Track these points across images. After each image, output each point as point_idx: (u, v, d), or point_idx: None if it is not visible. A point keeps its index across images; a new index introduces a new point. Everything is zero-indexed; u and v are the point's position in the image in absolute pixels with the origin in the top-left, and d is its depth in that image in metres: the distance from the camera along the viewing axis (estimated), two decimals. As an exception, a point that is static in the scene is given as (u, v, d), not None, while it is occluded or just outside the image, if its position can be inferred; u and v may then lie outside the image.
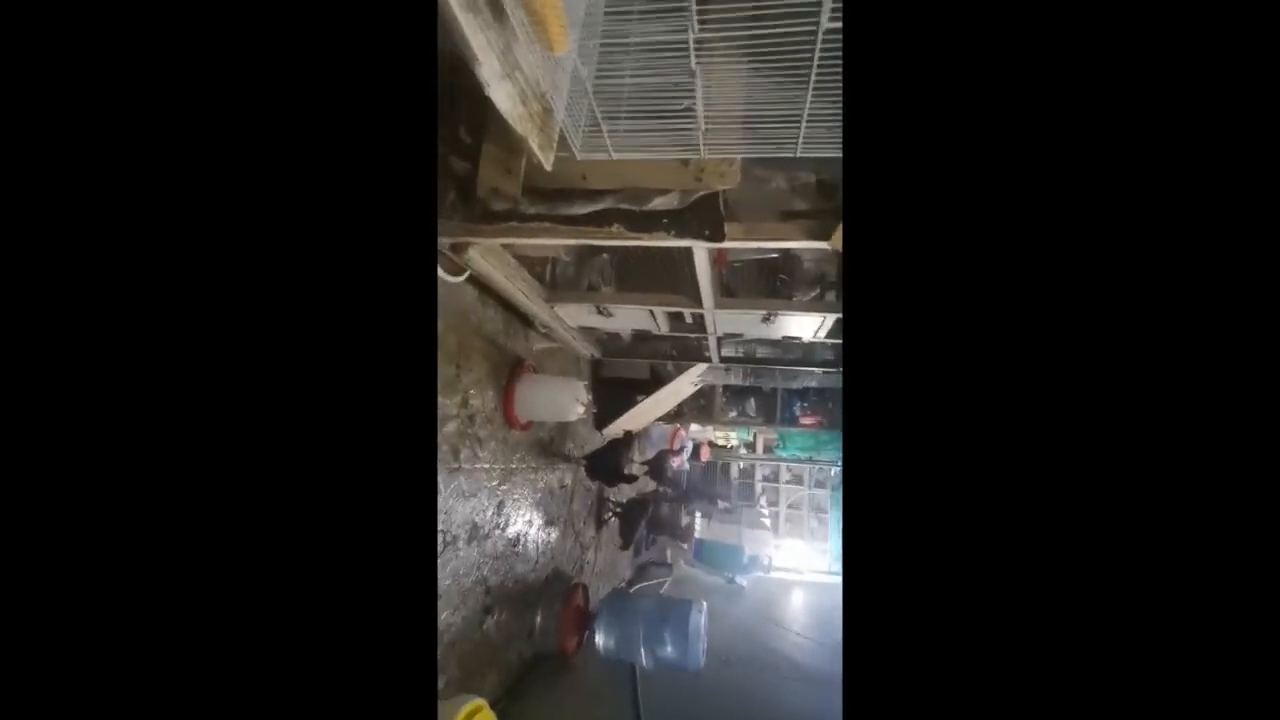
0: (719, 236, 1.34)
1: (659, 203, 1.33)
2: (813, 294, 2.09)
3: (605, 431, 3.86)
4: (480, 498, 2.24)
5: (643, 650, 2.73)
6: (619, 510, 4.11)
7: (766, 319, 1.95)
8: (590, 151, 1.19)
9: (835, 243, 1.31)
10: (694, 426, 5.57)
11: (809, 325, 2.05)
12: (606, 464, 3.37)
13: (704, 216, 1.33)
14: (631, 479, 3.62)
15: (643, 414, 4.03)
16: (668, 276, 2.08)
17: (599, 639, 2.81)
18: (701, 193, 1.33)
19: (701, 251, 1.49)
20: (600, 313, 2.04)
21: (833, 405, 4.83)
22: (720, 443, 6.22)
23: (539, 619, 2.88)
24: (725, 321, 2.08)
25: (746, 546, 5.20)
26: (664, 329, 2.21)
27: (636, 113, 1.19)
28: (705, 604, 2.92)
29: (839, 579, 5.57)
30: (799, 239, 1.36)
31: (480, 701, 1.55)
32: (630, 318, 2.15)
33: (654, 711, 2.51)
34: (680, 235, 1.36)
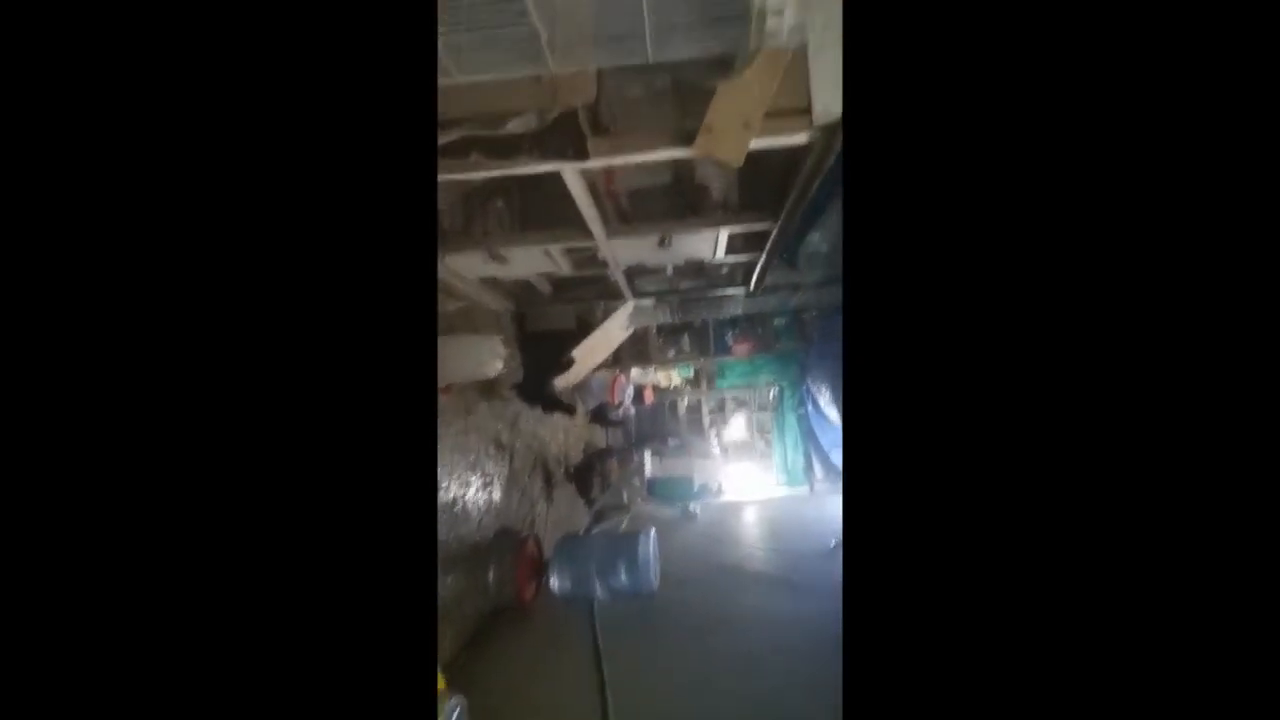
0: (583, 154, 1.29)
1: (515, 125, 1.25)
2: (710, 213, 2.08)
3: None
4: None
5: (597, 584, 2.82)
6: (570, 474, 4.16)
7: (662, 243, 1.94)
8: (427, 74, 1.10)
9: (698, 148, 1.29)
10: (634, 371, 5.61)
11: (706, 245, 2.05)
12: (533, 385, 3.37)
13: (565, 135, 1.27)
14: (566, 407, 3.64)
15: (578, 363, 4.01)
16: (570, 214, 2.01)
17: (554, 582, 2.88)
18: (559, 110, 1.27)
19: (573, 175, 1.43)
20: (494, 259, 1.97)
21: (761, 330, 4.97)
22: (663, 384, 6.32)
23: (491, 574, 2.92)
24: (624, 252, 2.05)
25: (697, 476, 5.40)
26: (565, 269, 2.16)
27: (474, 25, 1.10)
28: (654, 531, 3.02)
29: (784, 493, 5.92)
30: (665, 147, 1.33)
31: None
32: (529, 262, 2.09)
33: (614, 638, 2.62)
34: (544, 157, 1.30)
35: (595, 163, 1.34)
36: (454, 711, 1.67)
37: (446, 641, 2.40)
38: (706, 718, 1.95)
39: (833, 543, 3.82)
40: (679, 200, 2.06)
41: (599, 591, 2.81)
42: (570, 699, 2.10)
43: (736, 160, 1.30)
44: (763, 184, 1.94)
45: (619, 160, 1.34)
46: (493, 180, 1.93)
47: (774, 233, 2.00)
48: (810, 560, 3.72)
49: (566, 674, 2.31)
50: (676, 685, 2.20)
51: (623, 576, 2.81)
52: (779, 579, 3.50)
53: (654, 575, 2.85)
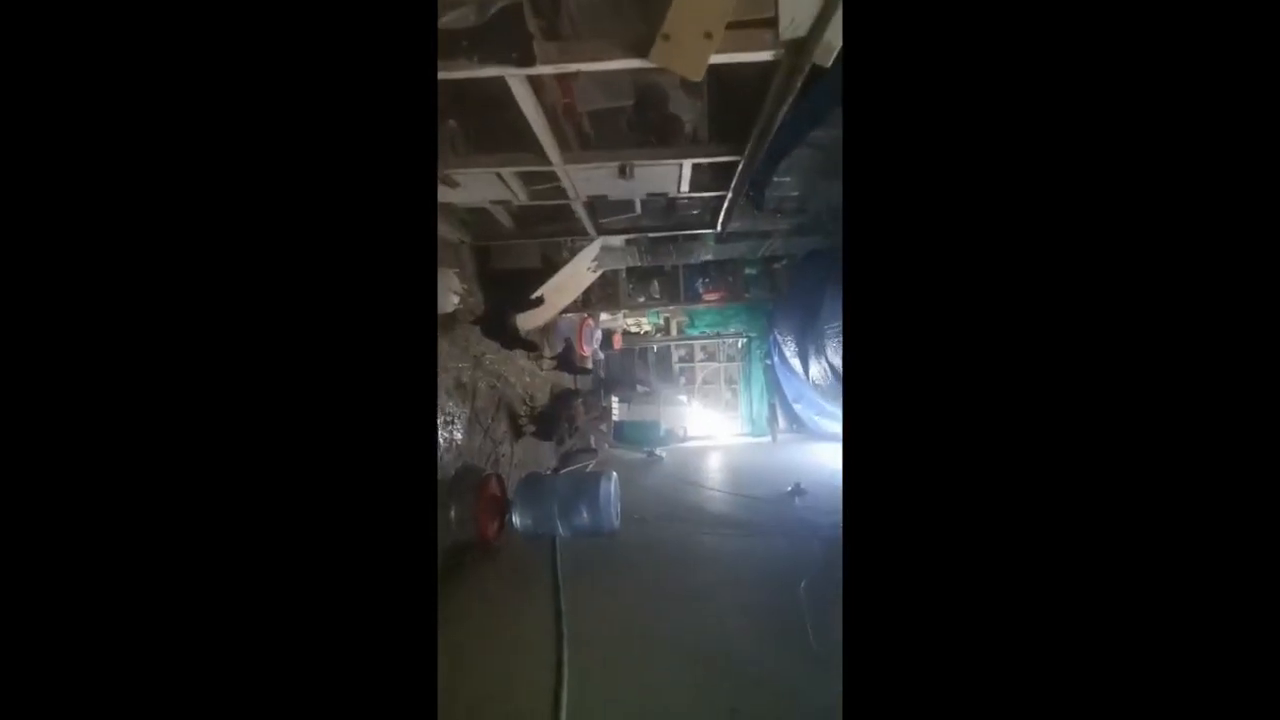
0: (529, 59, 1.18)
1: (451, 18, 1.13)
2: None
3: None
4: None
5: (559, 523, 2.86)
6: (536, 417, 4.13)
7: (624, 173, 1.84)
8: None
9: (654, 57, 1.19)
10: (603, 316, 5.55)
11: (670, 177, 1.96)
12: (495, 321, 3.30)
13: (508, 33, 1.16)
14: (528, 344, 3.58)
15: (545, 302, 3.92)
16: (528, 140, 1.88)
17: (516, 520, 2.91)
18: (501, 4, 1.15)
19: (521, 84, 1.32)
20: (445, 183, 1.84)
21: (732, 278, 4.92)
22: (633, 330, 6.28)
23: (453, 511, 2.93)
24: (584, 181, 1.95)
25: (663, 422, 5.47)
26: (522, 197, 2.05)
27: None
28: (615, 473, 3.06)
29: (747, 440, 6.06)
30: (617, 57, 1.23)
31: None
32: (483, 188, 1.97)
33: (574, 572, 2.69)
34: (484, 60, 1.18)
35: (543, 69, 1.23)
36: None
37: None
38: (655, 643, 2.03)
39: (789, 488, 3.95)
40: (644, 126, 1.95)
41: (561, 530, 2.86)
42: (529, 628, 2.16)
43: (695, 73, 1.21)
44: (733, 118, 1.84)
45: (570, 68, 1.23)
46: (445, 98, 1.79)
47: (740, 166, 1.92)
48: (767, 504, 3.85)
49: (527, 606, 2.37)
50: (631, 614, 2.29)
51: (584, 515, 2.85)
52: (736, 519, 3.62)
53: (615, 514, 2.91)
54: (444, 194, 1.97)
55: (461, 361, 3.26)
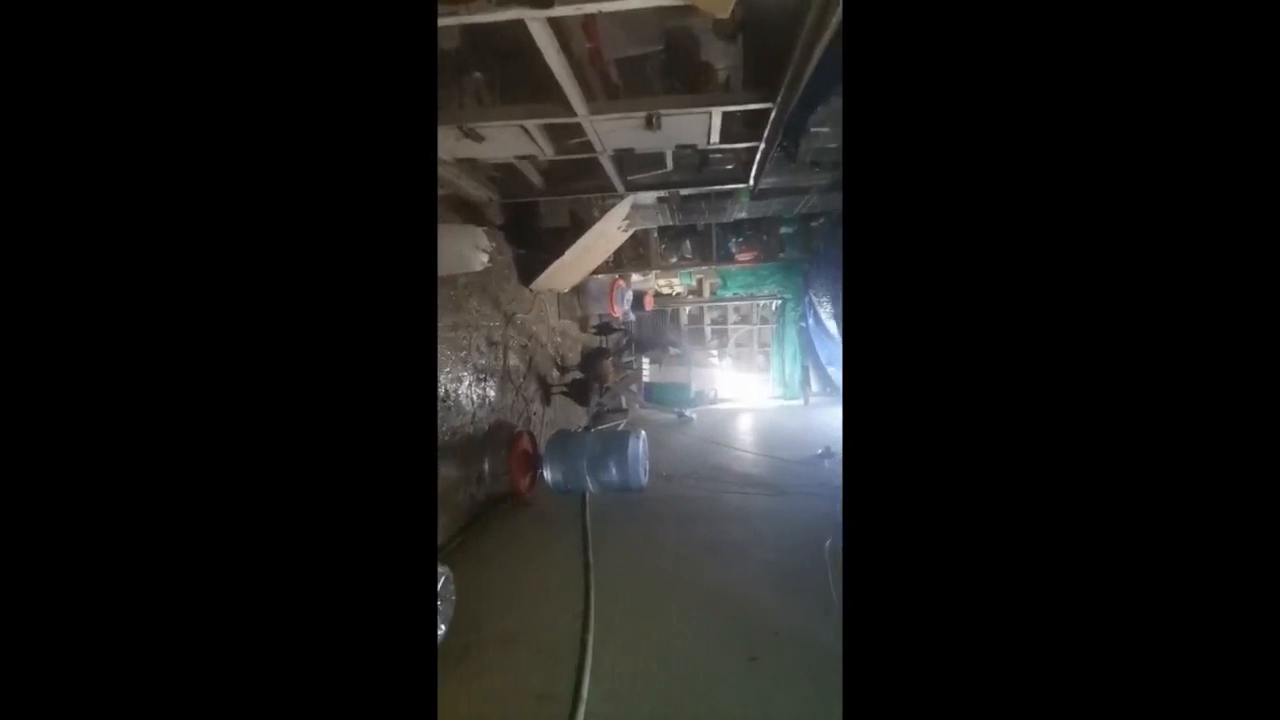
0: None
1: (467, -41, 1.09)
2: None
3: (534, 286, 3.80)
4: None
5: (589, 478, 2.94)
6: (566, 387, 4.20)
7: (650, 124, 1.78)
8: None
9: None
10: (635, 276, 5.51)
11: (699, 127, 1.89)
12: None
13: (525, -26, 1.11)
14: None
15: (573, 264, 3.91)
16: (556, 91, 1.84)
17: (547, 475, 3.00)
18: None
19: (541, 28, 1.28)
20: (469, 136, 1.83)
21: (766, 237, 4.78)
22: (665, 291, 6.23)
23: (486, 465, 3.05)
24: (609, 133, 1.90)
25: (694, 384, 5.48)
26: (548, 151, 2.01)
27: None
28: (644, 432, 3.11)
29: (778, 403, 6.01)
30: (639, -7, 1.17)
31: None
32: (508, 142, 1.94)
33: (602, 525, 2.77)
34: (503, 1, 1.15)
35: (563, 10, 1.18)
36: (439, 580, 1.79)
37: (442, 525, 2.57)
38: (679, 593, 2.10)
39: (818, 451, 3.92)
40: (674, 75, 1.88)
41: (590, 486, 2.94)
42: (558, 577, 2.25)
43: (723, 9, 1.14)
44: (768, 64, 1.75)
45: (590, 8, 1.18)
46: (469, 47, 1.76)
47: (771, 114, 1.83)
48: (794, 465, 3.84)
49: (557, 556, 2.47)
50: (655, 566, 2.36)
51: (613, 472, 2.92)
52: (763, 480, 3.64)
53: (643, 472, 2.97)
54: (469, 149, 1.95)
55: (493, 320, 3.31)
